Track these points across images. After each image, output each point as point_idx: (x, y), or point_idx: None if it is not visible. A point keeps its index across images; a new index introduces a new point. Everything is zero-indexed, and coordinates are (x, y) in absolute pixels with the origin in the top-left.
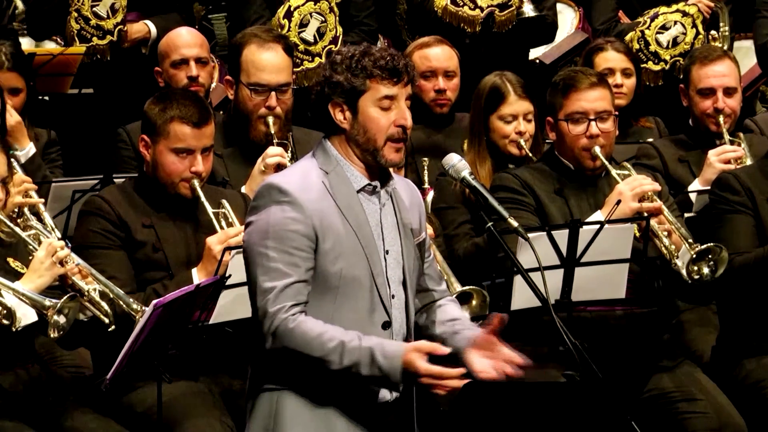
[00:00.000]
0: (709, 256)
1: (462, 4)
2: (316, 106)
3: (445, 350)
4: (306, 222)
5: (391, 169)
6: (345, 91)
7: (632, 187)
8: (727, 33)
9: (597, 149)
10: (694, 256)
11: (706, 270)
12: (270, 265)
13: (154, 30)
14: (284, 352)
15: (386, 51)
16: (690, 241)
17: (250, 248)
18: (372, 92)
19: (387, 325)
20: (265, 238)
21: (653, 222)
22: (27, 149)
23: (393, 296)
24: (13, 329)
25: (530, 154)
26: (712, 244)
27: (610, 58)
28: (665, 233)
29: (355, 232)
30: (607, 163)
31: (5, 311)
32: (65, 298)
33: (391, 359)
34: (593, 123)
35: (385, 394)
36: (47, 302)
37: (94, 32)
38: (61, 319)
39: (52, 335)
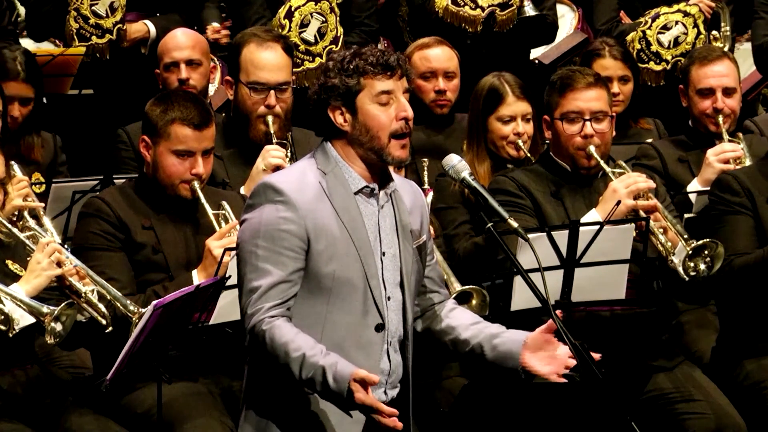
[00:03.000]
0: (705, 252)
1: (463, 4)
2: (315, 114)
3: (376, 378)
4: (299, 222)
5: (393, 171)
6: (341, 93)
7: (627, 184)
8: (728, 33)
9: (592, 148)
10: (690, 252)
11: (702, 266)
12: (257, 264)
13: (153, 30)
14: (257, 351)
15: (377, 49)
16: (686, 237)
17: (242, 245)
18: (368, 89)
19: (380, 327)
20: (256, 237)
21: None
22: None
23: (389, 298)
24: (10, 335)
25: (529, 155)
26: (707, 239)
27: (608, 66)
28: (661, 230)
29: (350, 234)
30: (602, 161)
31: (2, 317)
32: (63, 305)
33: (339, 382)
34: (588, 123)
35: (380, 395)
36: (45, 309)
37: (93, 31)
38: (58, 326)
39: (49, 341)
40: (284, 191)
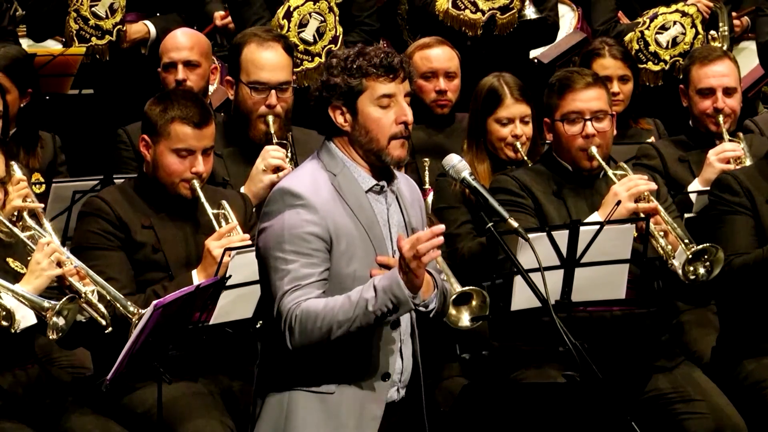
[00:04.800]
0: (705, 257)
1: (463, 7)
2: (316, 111)
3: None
4: (321, 224)
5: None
6: (343, 93)
7: (628, 187)
8: (726, 33)
9: (593, 149)
10: (690, 256)
11: (702, 270)
12: (288, 268)
13: (153, 30)
14: (306, 341)
15: (381, 49)
16: (686, 241)
17: (266, 253)
18: (369, 91)
19: (395, 324)
20: (281, 242)
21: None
22: None
23: None
24: (12, 331)
25: (526, 158)
26: (708, 244)
27: (608, 66)
28: (661, 233)
29: (367, 233)
30: (603, 163)
31: (5, 313)
32: (64, 299)
33: (389, 278)
34: (589, 123)
35: (393, 394)
36: (46, 304)
37: (93, 32)
38: (60, 321)
39: (51, 337)
40: (302, 194)
